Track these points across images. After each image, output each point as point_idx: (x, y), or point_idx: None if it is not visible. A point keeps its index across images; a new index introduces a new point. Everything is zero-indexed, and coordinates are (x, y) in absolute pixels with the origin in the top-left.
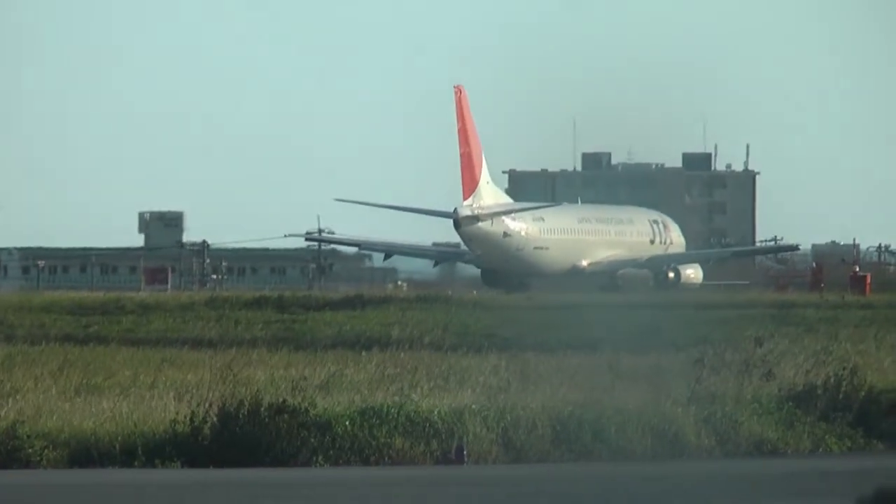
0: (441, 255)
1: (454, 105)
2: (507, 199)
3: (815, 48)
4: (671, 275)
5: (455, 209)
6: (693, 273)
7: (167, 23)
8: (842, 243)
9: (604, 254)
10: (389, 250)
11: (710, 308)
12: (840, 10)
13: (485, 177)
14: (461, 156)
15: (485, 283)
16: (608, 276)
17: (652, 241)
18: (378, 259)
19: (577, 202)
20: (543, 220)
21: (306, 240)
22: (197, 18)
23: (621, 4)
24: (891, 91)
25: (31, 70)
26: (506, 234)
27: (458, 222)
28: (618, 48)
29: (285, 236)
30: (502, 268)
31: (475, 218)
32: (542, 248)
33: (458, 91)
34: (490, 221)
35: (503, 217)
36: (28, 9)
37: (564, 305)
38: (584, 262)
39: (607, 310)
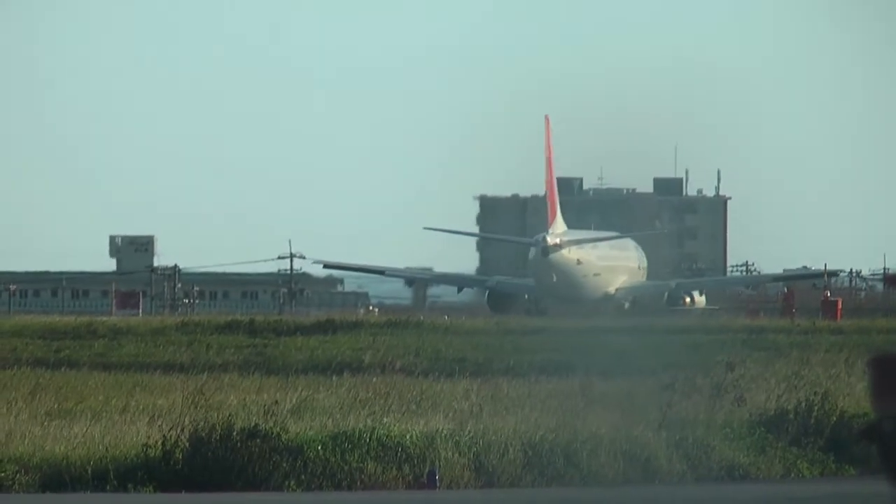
0: (465, 281)
1: (544, 133)
2: (565, 226)
3: (786, 74)
4: (687, 300)
5: (544, 237)
6: (701, 298)
7: (138, 46)
8: (813, 268)
9: (623, 279)
10: (412, 277)
11: (682, 333)
12: (810, 35)
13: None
14: (547, 183)
15: (491, 309)
16: (631, 301)
17: (639, 267)
18: (349, 283)
19: (590, 227)
20: (596, 246)
21: (324, 266)
22: (170, 40)
23: (593, 31)
24: (862, 117)
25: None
26: (579, 262)
27: (546, 250)
28: (589, 74)
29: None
30: (565, 294)
31: (559, 246)
32: (597, 275)
33: (547, 120)
34: (568, 249)
35: (573, 245)
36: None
37: (536, 330)
38: (613, 288)
39: (580, 335)
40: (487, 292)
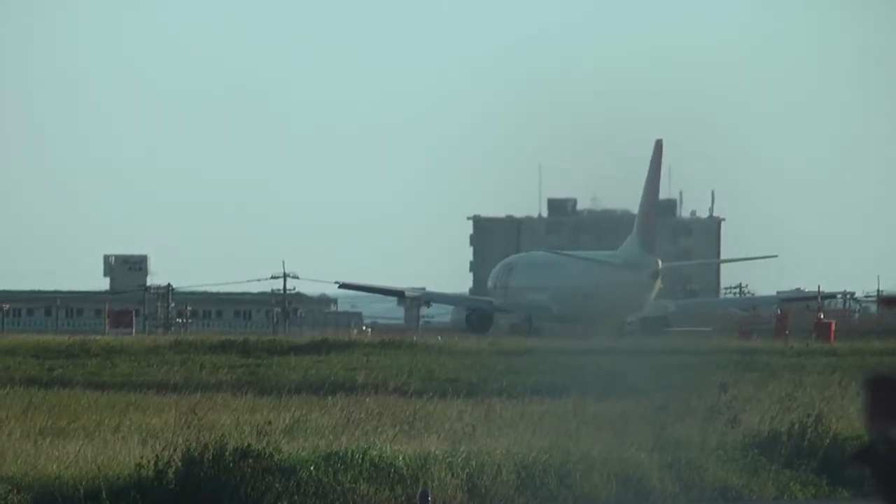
0: (473, 303)
1: (654, 158)
2: None
3: (780, 96)
4: None
5: (657, 261)
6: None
7: (134, 65)
8: (806, 290)
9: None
10: (430, 298)
11: (675, 354)
12: (804, 57)
13: None
14: (646, 206)
15: (469, 330)
16: (632, 322)
17: None
18: (343, 303)
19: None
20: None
21: (339, 286)
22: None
23: (586, 51)
24: (857, 139)
25: None
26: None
27: (657, 273)
28: (584, 94)
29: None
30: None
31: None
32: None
33: (659, 145)
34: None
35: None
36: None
37: (528, 350)
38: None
39: (572, 356)
40: (466, 313)
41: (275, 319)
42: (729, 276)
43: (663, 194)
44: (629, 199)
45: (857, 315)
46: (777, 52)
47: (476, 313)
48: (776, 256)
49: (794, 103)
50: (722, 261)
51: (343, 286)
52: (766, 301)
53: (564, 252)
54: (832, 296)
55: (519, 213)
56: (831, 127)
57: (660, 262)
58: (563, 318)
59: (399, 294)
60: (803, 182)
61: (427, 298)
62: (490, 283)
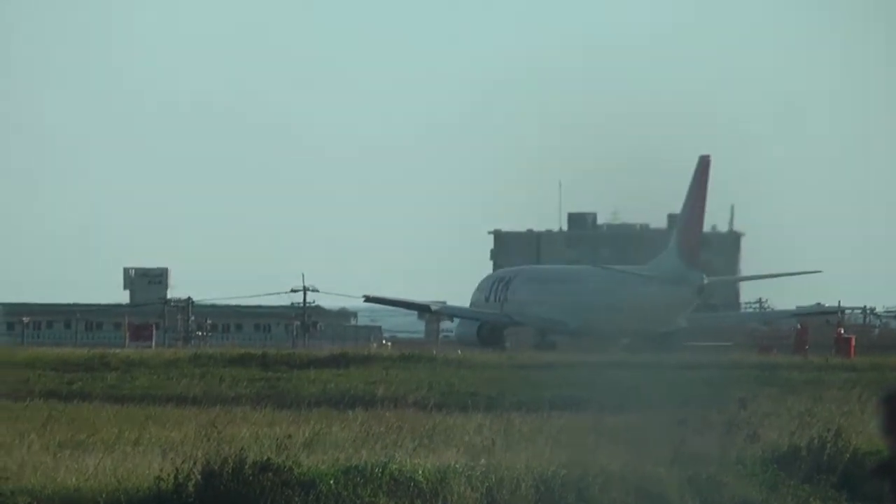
0: (487, 317)
1: (698, 173)
2: None
3: (800, 110)
4: None
5: (703, 276)
6: None
7: (154, 77)
8: (826, 305)
9: None
10: (451, 313)
11: (693, 368)
12: (827, 66)
13: None
14: (691, 221)
15: (481, 343)
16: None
17: None
18: (362, 317)
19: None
20: None
21: (365, 300)
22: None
23: (605, 66)
24: (878, 152)
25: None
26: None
27: (703, 288)
28: (603, 108)
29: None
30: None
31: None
32: None
33: (706, 161)
34: None
35: None
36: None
37: (547, 364)
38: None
39: (590, 369)
40: (478, 326)
41: (294, 333)
42: (748, 291)
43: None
44: (649, 214)
45: (877, 330)
46: (795, 59)
47: (486, 327)
48: (820, 272)
49: (818, 118)
50: (765, 276)
51: (369, 300)
52: (779, 315)
53: (607, 266)
54: (833, 311)
55: (539, 228)
56: (850, 140)
57: (705, 278)
58: (580, 333)
59: (425, 308)
60: (824, 197)
61: (450, 313)
62: (480, 298)
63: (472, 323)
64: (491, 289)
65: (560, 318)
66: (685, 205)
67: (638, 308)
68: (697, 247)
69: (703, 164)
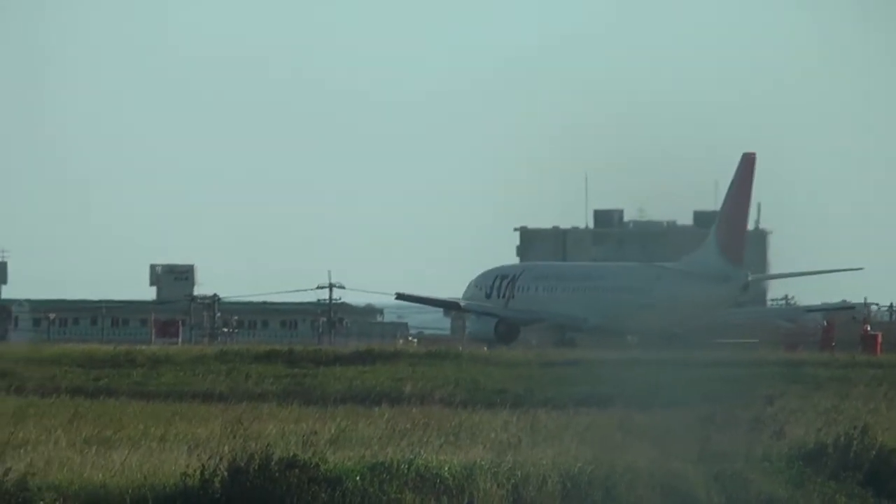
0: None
1: (742, 171)
2: None
3: (829, 107)
4: None
5: (747, 273)
6: None
7: (181, 77)
8: (853, 302)
9: None
10: (476, 310)
11: (720, 366)
12: (857, 65)
13: None
14: (735, 219)
15: (497, 340)
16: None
17: None
18: (389, 313)
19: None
20: None
21: (397, 297)
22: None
23: (633, 63)
24: None
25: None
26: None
27: (747, 285)
28: (630, 105)
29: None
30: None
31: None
32: None
33: (751, 158)
34: None
35: None
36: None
37: (573, 361)
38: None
39: (616, 366)
40: (495, 322)
41: (320, 329)
42: (776, 288)
43: (709, 206)
44: (675, 211)
45: None
46: (823, 58)
47: (503, 323)
48: (861, 269)
49: (846, 116)
50: (805, 273)
51: (400, 297)
52: (797, 312)
53: (657, 264)
54: (850, 307)
55: (565, 225)
56: (876, 135)
57: (749, 275)
58: (600, 330)
59: (455, 306)
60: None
61: (478, 311)
62: (479, 294)
63: (488, 319)
64: (492, 286)
65: (578, 315)
66: (725, 202)
67: (674, 306)
68: (742, 244)
69: (748, 162)
